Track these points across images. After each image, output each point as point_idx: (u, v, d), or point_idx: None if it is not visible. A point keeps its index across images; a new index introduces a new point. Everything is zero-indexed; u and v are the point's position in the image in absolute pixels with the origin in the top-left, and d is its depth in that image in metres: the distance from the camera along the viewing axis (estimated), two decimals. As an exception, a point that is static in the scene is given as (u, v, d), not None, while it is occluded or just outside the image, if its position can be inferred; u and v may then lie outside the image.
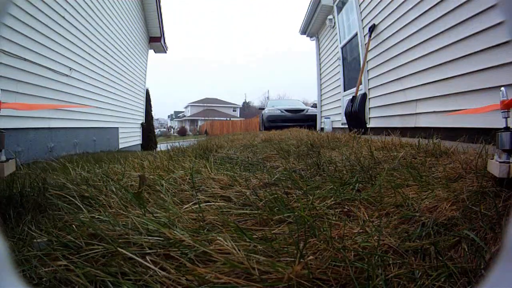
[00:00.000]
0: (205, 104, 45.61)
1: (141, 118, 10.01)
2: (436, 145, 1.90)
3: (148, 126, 10.37)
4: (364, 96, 4.44)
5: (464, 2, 2.88)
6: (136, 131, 9.50)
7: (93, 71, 6.04)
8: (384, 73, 4.56)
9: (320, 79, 8.70)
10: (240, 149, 2.65)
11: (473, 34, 2.79)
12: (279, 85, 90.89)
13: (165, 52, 11.97)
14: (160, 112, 64.88)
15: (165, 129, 44.28)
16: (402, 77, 4.10)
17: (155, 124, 14.86)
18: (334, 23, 7.03)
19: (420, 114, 3.74)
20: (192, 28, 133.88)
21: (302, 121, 10.46)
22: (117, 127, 7.68)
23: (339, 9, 6.78)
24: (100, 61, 6.37)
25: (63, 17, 4.70)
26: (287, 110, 10.38)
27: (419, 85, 3.74)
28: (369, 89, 5.04)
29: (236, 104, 49.77)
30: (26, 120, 3.92)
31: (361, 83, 4.91)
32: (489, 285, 0.48)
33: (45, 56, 4.28)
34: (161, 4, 10.06)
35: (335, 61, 7.16)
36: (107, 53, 6.77)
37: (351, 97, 5.94)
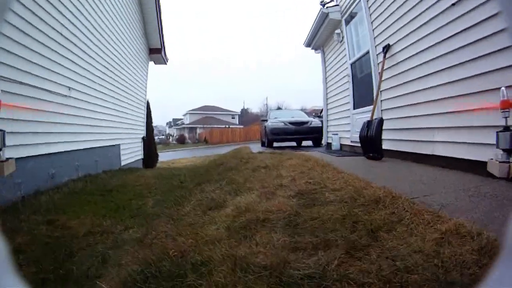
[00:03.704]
0: (203, 112, 45.37)
1: (142, 133, 9.77)
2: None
3: (149, 139, 10.13)
4: (381, 122, 4.24)
5: (487, 37, 2.69)
6: (137, 146, 9.26)
7: (93, 88, 5.82)
8: (399, 96, 4.36)
9: (326, 94, 8.50)
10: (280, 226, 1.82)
11: (494, 70, 2.60)
12: (276, 90, 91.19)
13: (165, 64, 11.80)
14: (159, 119, 64.57)
15: (163, 137, 44.02)
16: (418, 103, 3.91)
17: (154, 130, 14.57)
18: (342, 37, 6.86)
19: (438, 143, 3.56)
20: (188, 32, 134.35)
21: (306, 134, 10.26)
22: (119, 144, 7.44)
23: (347, 23, 6.62)
24: (101, 78, 6.16)
25: (61, 34, 4.46)
26: (291, 123, 10.17)
27: (436, 114, 3.55)
28: (382, 110, 4.85)
29: (235, 112, 49.59)
30: (24, 149, 3.69)
31: (376, 107, 4.72)
32: (489, 285, 0.47)
33: (43, 78, 4.06)
34: (161, 16, 9.90)
35: (343, 77, 6.97)
36: (108, 69, 6.55)
37: (361, 116, 5.77)
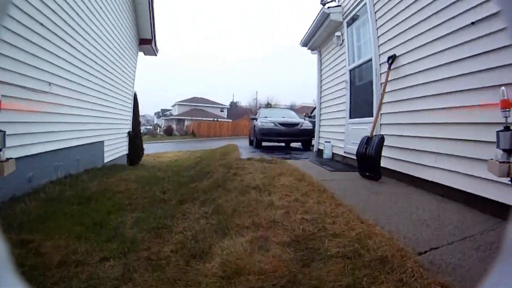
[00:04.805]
0: (192, 104, 44.64)
1: (128, 127, 9.35)
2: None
3: (135, 133, 9.69)
4: (382, 140, 4.01)
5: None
6: (122, 141, 8.85)
7: (76, 82, 5.39)
8: (401, 112, 4.14)
9: (320, 98, 8.25)
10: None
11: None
12: (266, 85, 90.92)
13: (156, 55, 11.39)
14: (147, 109, 63.31)
15: (151, 127, 43.19)
16: (422, 123, 3.69)
17: (141, 120, 14.04)
18: (343, 41, 6.60)
19: (439, 169, 3.36)
20: (181, 23, 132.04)
21: (296, 136, 9.92)
22: (103, 141, 7.05)
23: (349, 26, 6.37)
24: (84, 70, 5.70)
25: (39, 22, 4.01)
26: (281, 124, 9.81)
27: (440, 138, 3.34)
28: (381, 124, 4.63)
29: (223, 105, 49.02)
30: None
31: (376, 122, 4.49)
32: (489, 285, 0.46)
33: (20, 73, 3.67)
34: (154, 6, 9.46)
35: (339, 83, 6.73)
36: (92, 60, 6.08)
37: (357, 127, 5.57)
